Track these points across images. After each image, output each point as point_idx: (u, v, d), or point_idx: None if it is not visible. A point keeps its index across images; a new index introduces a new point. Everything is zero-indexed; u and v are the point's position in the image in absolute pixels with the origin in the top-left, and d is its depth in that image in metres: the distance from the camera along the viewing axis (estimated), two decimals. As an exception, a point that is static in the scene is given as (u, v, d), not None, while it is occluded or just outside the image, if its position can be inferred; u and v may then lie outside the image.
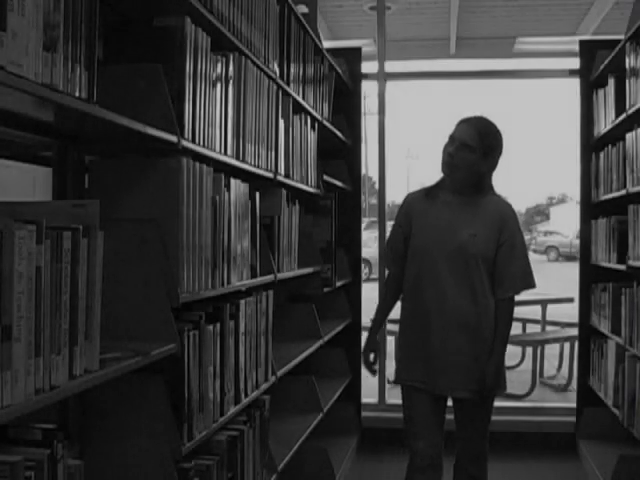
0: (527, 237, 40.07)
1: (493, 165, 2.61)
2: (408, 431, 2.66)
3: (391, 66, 4.62)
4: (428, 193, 2.68)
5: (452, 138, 2.56)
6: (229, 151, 2.16)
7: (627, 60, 3.33)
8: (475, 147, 2.52)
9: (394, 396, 4.52)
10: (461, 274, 2.54)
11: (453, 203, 2.61)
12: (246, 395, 2.29)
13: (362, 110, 4.51)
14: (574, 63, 4.34)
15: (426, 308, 2.57)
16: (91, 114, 1.38)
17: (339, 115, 4.11)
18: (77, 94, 1.34)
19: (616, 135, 3.64)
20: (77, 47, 1.33)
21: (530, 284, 2.62)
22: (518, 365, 6.64)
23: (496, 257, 2.56)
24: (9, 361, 1.11)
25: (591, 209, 4.15)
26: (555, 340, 6.20)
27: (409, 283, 2.66)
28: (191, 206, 1.83)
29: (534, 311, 6.99)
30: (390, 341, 5.64)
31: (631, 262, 3.29)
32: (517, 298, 2.63)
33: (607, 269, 3.76)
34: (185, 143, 1.80)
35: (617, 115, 3.53)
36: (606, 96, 3.87)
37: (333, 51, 3.99)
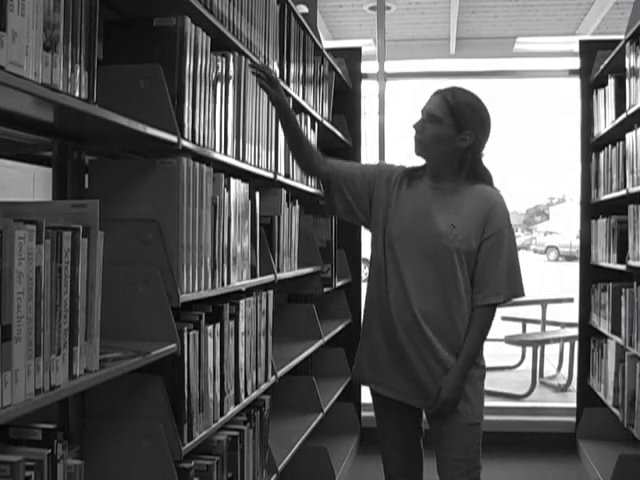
0: (527, 237, 39.98)
1: (476, 145, 2.19)
2: (380, 445, 2.37)
3: (391, 66, 4.62)
4: (411, 174, 2.28)
5: (421, 112, 2.22)
6: (229, 151, 2.16)
7: (627, 60, 3.33)
8: (442, 118, 2.15)
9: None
10: (433, 270, 2.16)
11: (433, 189, 2.23)
12: (246, 395, 2.29)
13: (362, 110, 4.51)
14: (574, 63, 4.34)
15: (390, 305, 2.19)
16: (91, 114, 1.38)
17: (339, 115, 4.11)
18: (77, 94, 1.34)
19: (616, 135, 3.64)
20: (77, 47, 1.33)
21: (517, 292, 2.19)
22: (518, 365, 6.65)
23: (478, 255, 2.17)
24: (9, 361, 1.11)
25: (591, 209, 4.15)
26: (555, 340, 6.20)
27: (374, 273, 2.27)
28: (191, 206, 1.83)
29: (534, 311, 7.00)
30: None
31: (631, 262, 3.29)
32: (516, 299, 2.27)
33: (607, 269, 3.76)
34: (185, 143, 1.80)
35: (617, 115, 3.53)
36: (606, 96, 3.87)
37: (333, 51, 3.99)
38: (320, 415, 3.34)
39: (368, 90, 4.60)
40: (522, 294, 2.21)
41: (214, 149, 2.03)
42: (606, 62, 3.79)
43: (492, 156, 2.44)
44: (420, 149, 2.22)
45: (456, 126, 2.16)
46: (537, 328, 6.95)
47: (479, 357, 2.23)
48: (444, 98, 2.17)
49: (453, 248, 2.15)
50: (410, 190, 2.26)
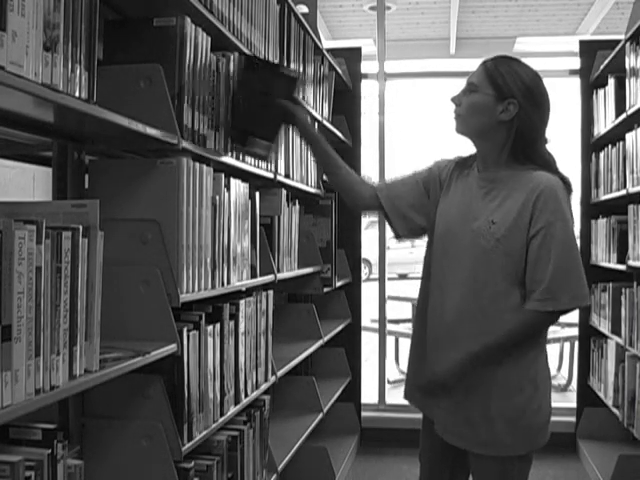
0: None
1: (524, 118, 1.82)
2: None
3: (391, 66, 4.62)
4: (462, 164, 1.98)
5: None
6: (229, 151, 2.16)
7: (627, 60, 3.33)
8: (479, 85, 1.85)
9: (394, 396, 4.53)
10: (470, 275, 1.83)
11: (480, 179, 1.91)
12: (246, 395, 2.29)
13: (362, 110, 4.51)
14: (574, 63, 4.34)
15: (426, 317, 1.94)
16: (91, 114, 1.38)
17: (339, 115, 4.11)
18: (77, 94, 1.34)
19: (616, 135, 3.64)
20: (77, 47, 1.33)
21: (578, 300, 1.80)
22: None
23: (527, 257, 1.79)
24: (9, 361, 1.11)
25: (591, 209, 4.15)
26: (555, 340, 6.20)
27: (421, 278, 2.01)
28: (191, 206, 1.83)
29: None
30: (390, 341, 5.65)
31: (631, 262, 3.29)
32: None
33: (607, 269, 3.76)
34: (185, 143, 1.80)
35: (617, 115, 3.53)
36: (606, 96, 3.87)
37: (333, 51, 3.99)
38: (320, 415, 3.33)
39: (368, 90, 4.61)
40: (585, 302, 1.82)
41: (214, 149, 2.03)
42: (606, 62, 3.79)
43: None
44: (458, 123, 1.92)
45: (496, 94, 1.83)
46: (537, 328, 6.93)
47: (534, 388, 1.91)
48: (484, 64, 1.89)
49: (489, 248, 1.81)
50: (459, 182, 1.96)
